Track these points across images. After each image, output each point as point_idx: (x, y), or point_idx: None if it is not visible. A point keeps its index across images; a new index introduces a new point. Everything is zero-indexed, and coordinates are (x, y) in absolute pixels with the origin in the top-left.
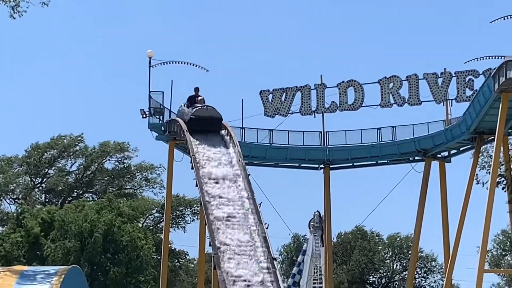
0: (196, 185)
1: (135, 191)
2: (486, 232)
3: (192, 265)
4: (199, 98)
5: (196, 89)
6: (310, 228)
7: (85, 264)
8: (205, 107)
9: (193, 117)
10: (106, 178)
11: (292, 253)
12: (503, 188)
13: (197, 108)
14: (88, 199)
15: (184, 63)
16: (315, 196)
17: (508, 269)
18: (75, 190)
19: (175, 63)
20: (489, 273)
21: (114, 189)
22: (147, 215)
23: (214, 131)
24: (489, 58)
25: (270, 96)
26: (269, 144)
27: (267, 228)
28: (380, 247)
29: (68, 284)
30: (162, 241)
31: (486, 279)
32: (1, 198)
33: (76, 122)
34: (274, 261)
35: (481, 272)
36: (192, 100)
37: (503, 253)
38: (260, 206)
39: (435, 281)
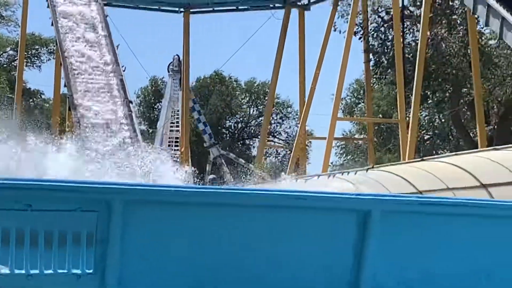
0: (52, 24)
1: None
2: (341, 80)
3: (47, 105)
4: None
5: None
6: (169, 72)
7: None
8: None
9: None
10: None
11: (150, 96)
12: (359, 38)
13: None
14: None
15: None
16: (175, 40)
17: (360, 117)
18: None
19: None
20: (342, 121)
21: None
22: (1, 52)
23: None
24: None
25: None
26: None
27: (124, 71)
28: (238, 93)
29: None
30: (16, 80)
31: (339, 126)
32: None
33: None
34: (130, 104)
35: (335, 119)
36: None
37: (357, 102)
38: (117, 48)
39: (290, 126)
